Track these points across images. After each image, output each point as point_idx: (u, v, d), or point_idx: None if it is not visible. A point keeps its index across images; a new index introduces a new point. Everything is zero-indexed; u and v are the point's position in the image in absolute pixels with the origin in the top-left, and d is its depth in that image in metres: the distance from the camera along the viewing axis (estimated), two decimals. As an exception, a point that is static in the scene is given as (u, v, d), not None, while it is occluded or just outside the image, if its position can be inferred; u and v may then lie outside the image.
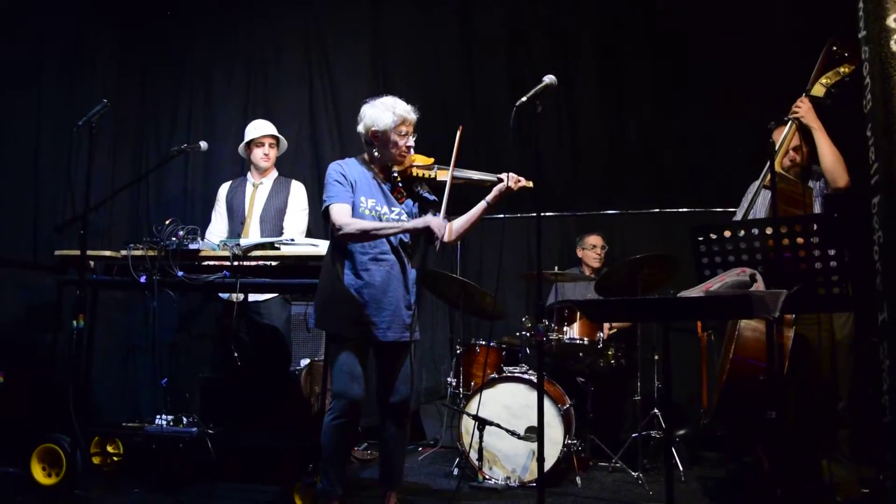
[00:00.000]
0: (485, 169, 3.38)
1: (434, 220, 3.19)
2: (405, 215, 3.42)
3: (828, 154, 3.66)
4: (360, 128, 3.38)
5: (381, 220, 3.33)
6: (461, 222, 3.42)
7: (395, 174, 3.41)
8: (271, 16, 6.00)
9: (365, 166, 3.42)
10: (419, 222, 3.26)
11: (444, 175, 3.33)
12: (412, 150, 3.38)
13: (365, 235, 3.25)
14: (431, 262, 5.87)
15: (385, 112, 3.30)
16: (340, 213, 3.25)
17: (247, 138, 4.73)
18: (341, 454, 3.37)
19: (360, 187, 3.34)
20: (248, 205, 4.68)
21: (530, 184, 3.30)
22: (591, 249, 5.41)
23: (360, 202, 3.31)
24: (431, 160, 3.42)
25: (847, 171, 3.64)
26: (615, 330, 5.03)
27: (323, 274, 3.40)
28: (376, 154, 3.39)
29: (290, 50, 6.01)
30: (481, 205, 3.34)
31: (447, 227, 3.19)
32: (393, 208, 3.40)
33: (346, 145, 5.61)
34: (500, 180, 3.30)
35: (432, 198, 3.51)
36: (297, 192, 4.70)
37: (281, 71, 5.97)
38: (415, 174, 3.40)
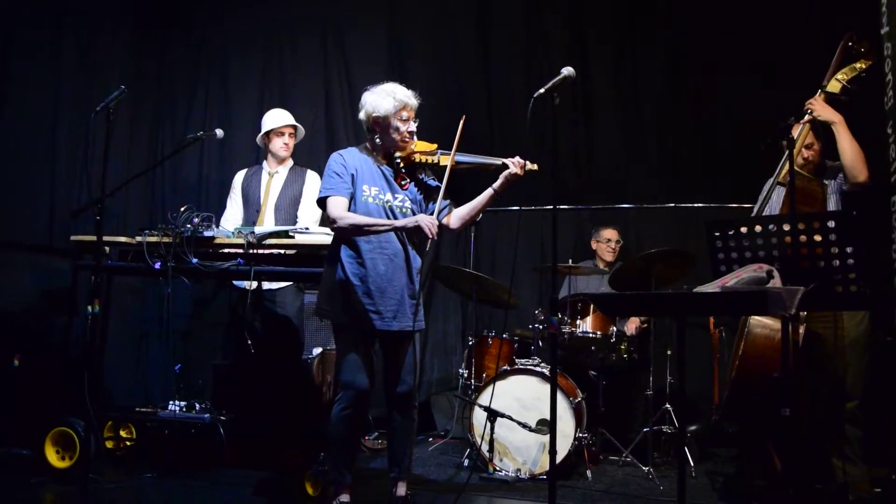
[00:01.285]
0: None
1: (424, 219, 3.16)
2: (409, 201, 3.40)
3: (848, 148, 3.55)
4: (362, 115, 3.37)
5: (385, 207, 3.32)
6: (467, 209, 3.42)
7: (398, 160, 3.39)
8: (287, 1, 6.00)
9: (367, 154, 3.41)
10: (409, 221, 3.22)
11: (448, 160, 3.31)
12: (414, 136, 3.37)
13: (357, 230, 3.25)
14: (446, 253, 5.88)
15: (385, 98, 3.28)
16: (336, 206, 3.25)
17: (266, 128, 4.71)
18: (350, 444, 3.38)
19: (362, 175, 3.33)
20: (263, 193, 4.68)
21: (535, 166, 3.29)
22: (606, 243, 5.39)
23: (362, 191, 3.30)
24: (434, 146, 3.39)
25: (867, 165, 3.55)
26: (646, 325, 4.99)
27: (327, 264, 3.40)
28: (378, 141, 3.38)
29: (306, 36, 6.01)
30: (488, 192, 3.33)
31: (436, 226, 3.15)
32: (397, 195, 3.38)
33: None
34: (505, 165, 3.28)
35: (435, 184, 3.48)
36: (313, 182, 4.69)
37: (297, 57, 5.98)
38: (418, 160, 3.38)
